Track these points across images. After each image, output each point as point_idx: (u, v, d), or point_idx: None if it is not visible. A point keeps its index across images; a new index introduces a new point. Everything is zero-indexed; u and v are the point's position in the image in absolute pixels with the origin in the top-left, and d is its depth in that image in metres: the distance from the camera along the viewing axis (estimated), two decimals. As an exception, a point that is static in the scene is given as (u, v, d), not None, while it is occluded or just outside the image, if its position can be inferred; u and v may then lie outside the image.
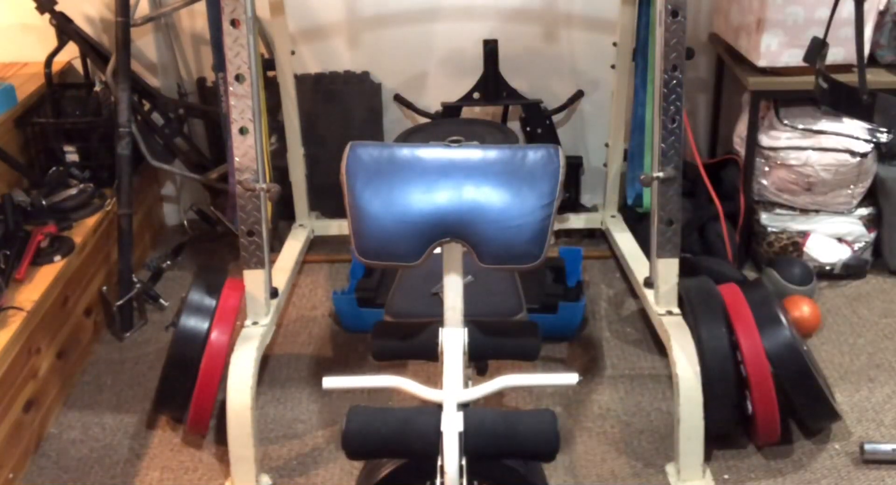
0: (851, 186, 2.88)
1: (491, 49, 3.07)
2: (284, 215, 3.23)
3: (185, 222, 3.43)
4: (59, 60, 3.01)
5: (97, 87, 2.98)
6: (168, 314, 2.83)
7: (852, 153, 2.81)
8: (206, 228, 3.35)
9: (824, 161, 2.82)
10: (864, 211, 2.96)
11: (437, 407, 1.65)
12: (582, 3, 3.14)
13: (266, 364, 2.64)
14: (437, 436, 1.59)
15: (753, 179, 2.96)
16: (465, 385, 1.74)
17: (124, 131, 2.76)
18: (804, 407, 2.19)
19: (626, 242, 2.94)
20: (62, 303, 2.54)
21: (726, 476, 2.21)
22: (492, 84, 3.11)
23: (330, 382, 1.71)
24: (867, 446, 2.22)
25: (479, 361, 2.08)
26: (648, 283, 2.40)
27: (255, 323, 2.28)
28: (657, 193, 2.20)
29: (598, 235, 3.25)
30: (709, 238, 2.97)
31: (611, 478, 2.22)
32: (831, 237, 2.96)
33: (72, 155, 2.99)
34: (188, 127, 3.31)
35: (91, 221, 2.78)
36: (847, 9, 2.29)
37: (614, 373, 2.60)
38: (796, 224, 2.96)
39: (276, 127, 3.06)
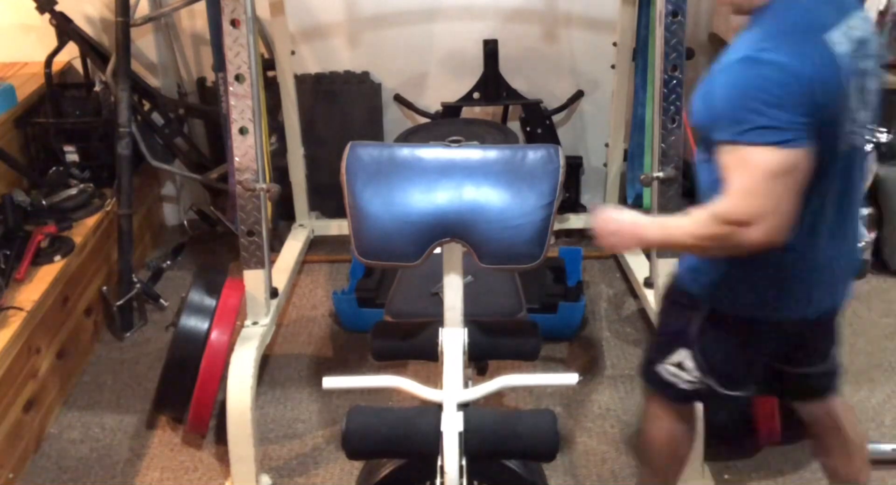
0: (851, 186, 2.88)
1: (491, 49, 3.07)
2: (284, 215, 3.23)
3: (185, 222, 3.43)
4: (59, 60, 3.01)
5: (97, 87, 2.98)
6: (168, 314, 2.83)
7: (852, 153, 2.81)
8: (206, 228, 3.35)
9: (824, 161, 2.82)
10: (864, 211, 2.96)
11: (437, 407, 1.65)
12: (582, 3, 3.14)
13: (266, 364, 2.64)
14: (437, 436, 1.59)
15: (753, 179, 2.96)
16: (465, 385, 1.74)
17: (124, 131, 2.76)
18: (804, 407, 2.19)
19: (626, 242, 2.93)
20: (62, 303, 2.54)
21: (726, 476, 2.21)
22: (492, 84, 3.11)
23: (330, 382, 1.71)
24: (867, 446, 2.22)
25: (479, 361, 2.08)
26: (648, 283, 2.40)
27: (255, 323, 2.27)
28: (657, 193, 2.20)
29: (599, 235, 3.25)
30: (709, 238, 2.96)
31: (611, 478, 2.22)
32: (831, 237, 2.95)
33: (72, 155, 2.99)
34: (188, 127, 3.31)
35: (91, 221, 2.78)
36: (847, 9, 2.28)
37: (614, 373, 2.60)
38: (796, 224, 2.96)
39: (276, 127, 3.06)
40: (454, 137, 1.90)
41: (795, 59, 1.40)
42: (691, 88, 1.61)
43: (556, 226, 1.95)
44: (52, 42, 2.97)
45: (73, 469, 2.29)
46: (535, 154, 1.95)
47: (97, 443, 2.38)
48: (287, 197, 3.11)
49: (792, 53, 1.40)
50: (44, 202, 2.72)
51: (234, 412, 2.08)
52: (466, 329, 1.84)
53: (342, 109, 3.23)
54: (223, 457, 2.26)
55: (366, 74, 3.24)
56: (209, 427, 2.32)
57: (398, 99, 3.29)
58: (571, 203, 3.29)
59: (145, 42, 3.22)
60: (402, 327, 1.99)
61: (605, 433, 2.36)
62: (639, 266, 2.71)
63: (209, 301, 2.28)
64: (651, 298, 2.35)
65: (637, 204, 2.98)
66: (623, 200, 3.15)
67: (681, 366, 1.72)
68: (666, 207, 2.19)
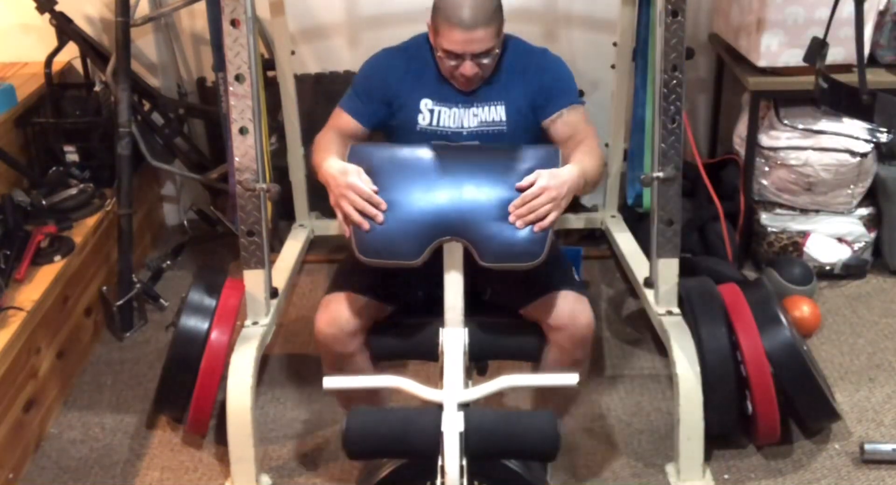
0: (851, 186, 2.88)
1: (491, 49, 3.06)
2: (284, 215, 3.22)
3: (185, 222, 3.43)
4: (59, 60, 3.01)
5: (97, 87, 2.98)
6: (168, 314, 2.83)
7: (852, 153, 2.81)
8: (206, 228, 3.35)
9: (824, 161, 2.82)
10: (864, 211, 2.96)
11: (438, 407, 1.65)
12: (582, 3, 3.13)
13: (266, 364, 2.64)
14: (438, 436, 1.59)
15: (753, 178, 2.96)
16: (466, 385, 1.74)
17: (124, 131, 2.76)
18: (804, 407, 2.19)
19: (626, 242, 2.94)
20: (62, 303, 2.54)
21: (726, 476, 2.21)
22: (492, 84, 3.10)
23: (330, 382, 1.71)
24: (867, 446, 2.22)
25: (479, 361, 2.08)
26: (648, 283, 2.39)
27: (255, 323, 2.27)
28: (657, 193, 2.19)
29: (598, 235, 3.25)
30: (709, 238, 2.97)
31: (611, 478, 2.22)
32: (831, 237, 2.95)
33: (72, 155, 2.99)
34: (188, 127, 3.31)
35: (91, 221, 2.78)
36: (847, 9, 2.28)
37: (614, 373, 2.60)
38: (796, 224, 2.96)
39: (276, 127, 3.06)
40: (454, 137, 1.90)
41: None
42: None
43: (556, 226, 1.95)
44: (52, 42, 2.97)
45: (73, 469, 2.29)
46: (535, 154, 1.95)
47: (97, 443, 2.38)
48: (287, 197, 3.11)
49: None
50: (44, 202, 2.72)
51: (234, 412, 2.08)
52: (467, 329, 1.84)
53: (342, 109, 3.22)
54: (223, 457, 2.26)
55: (366, 74, 3.23)
56: (209, 427, 2.32)
57: (398, 99, 3.28)
58: (571, 203, 3.27)
59: (145, 42, 3.22)
60: (403, 327, 1.99)
61: (605, 433, 2.36)
62: (639, 266, 2.71)
63: (209, 301, 2.28)
64: (651, 298, 2.35)
65: (637, 204, 2.98)
66: (623, 200, 3.15)
67: None
68: (666, 207, 2.19)
